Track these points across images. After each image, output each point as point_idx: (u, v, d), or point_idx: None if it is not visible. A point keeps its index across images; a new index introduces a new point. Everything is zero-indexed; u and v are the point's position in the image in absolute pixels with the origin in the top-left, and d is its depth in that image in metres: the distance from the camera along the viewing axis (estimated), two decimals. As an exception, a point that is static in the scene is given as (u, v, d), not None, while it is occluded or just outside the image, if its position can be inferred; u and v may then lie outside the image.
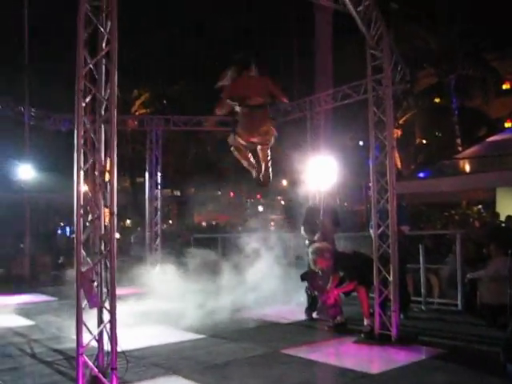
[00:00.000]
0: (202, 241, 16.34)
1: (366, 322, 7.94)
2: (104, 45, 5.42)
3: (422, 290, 10.02)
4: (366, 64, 7.92)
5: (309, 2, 8.04)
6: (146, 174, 14.42)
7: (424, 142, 27.62)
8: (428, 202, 19.29)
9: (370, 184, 7.89)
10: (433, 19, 24.03)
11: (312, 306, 9.56)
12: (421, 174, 23.71)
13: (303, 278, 9.52)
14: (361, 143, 25.81)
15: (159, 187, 14.45)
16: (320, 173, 10.45)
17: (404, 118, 26.07)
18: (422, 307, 9.95)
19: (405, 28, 22.06)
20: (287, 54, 24.24)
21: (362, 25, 7.23)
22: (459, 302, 9.58)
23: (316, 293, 9.34)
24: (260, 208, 32.16)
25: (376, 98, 7.83)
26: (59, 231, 26.17)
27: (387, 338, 7.35)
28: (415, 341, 7.38)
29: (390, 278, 7.46)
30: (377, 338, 7.46)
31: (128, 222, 28.25)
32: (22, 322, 9.70)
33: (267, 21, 22.98)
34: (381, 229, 7.67)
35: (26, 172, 15.56)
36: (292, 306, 10.50)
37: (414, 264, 10.01)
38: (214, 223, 28.92)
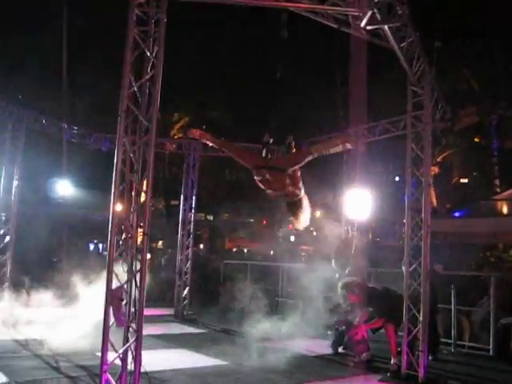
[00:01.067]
0: (232, 266, 16.34)
1: (392, 360, 7.79)
2: (149, 69, 5.56)
3: (453, 332, 9.77)
4: (404, 99, 7.91)
5: (346, 34, 8.09)
6: (181, 197, 14.54)
7: (461, 180, 27.25)
8: (463, 241, 18.93)
9: (404, 220, 7.81)
10: (476, 59, 23.90)
11: (339, 340, 9.43)
12: (456, 214, 23.34)
13: (332, 312, 9.42)
14: (396, 179, 25.60)
15: (193, 211, 14.54)
16: (354, 206, 10.40)
17: (442, 156, 25.80)
18: (452, 350, 9.69)
19: (447, 67, 22.00)
20: (323, 86, 24.34)
21: (404, 61, 7.23)
22: (491, 348, 9.30)
23: (344, 327, 9.21)
24: (292, 238, 32.03)
25: (415, 134, 7.80)
26: (92, 247, 26.50)
27: (414, 379, 7.18)
28: (443, 384, 7.21)
29: (420, 317, 7.32)
30: (403, 378, 7.31)
31: (160, 243, 28.44)
32: (49, 335, 9.79)
33: (306, 53, 23.16)
34: (413, 266, 7.57)
35: (64, 188, 15.85)
36: (318, 339, 10.38)
37: (445, 304, 9.79)
38: (245, 250, 28.89)
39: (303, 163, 5.70)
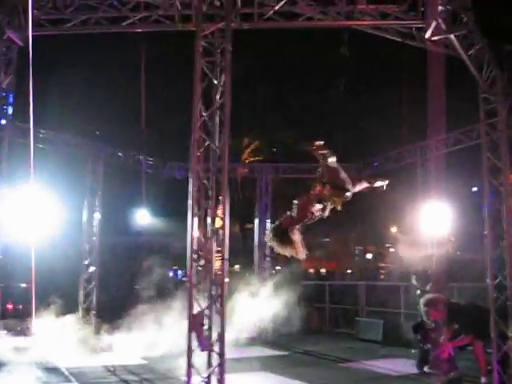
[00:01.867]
0: (309, 287, 16.25)
1: (483, 379, 7.47)
2: (218, 97, 5.72)
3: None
4: (475, 108, 7.71)
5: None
6: (256, 220, 14.67)
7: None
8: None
9: (485, 232, 7.55)
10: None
11: (424, 359, 9.15)
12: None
13: (415, 329, 9.17)
14: (474, 189, 24.73)
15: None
16: (433, 220, 10.16)
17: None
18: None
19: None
20: (398, 100, 24.00)
21: (473, 68, 7.07)
22: None
23: (429, 346, 8.93)
24: (369, 256, 31.51)
25: (490, 142, 7.56)
26: (171, 274, 27.04)
27: (507, 398, 6.87)
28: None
29: (509, 333, 7.00)
30: (496, 397, 6.99)
31: (236, 266, 28.67)
32: (134, 360, 10.07)
33: (378, 67, 22.95)
34: (498, 279, 7.27)
35: (142, 217, 16.37)
36: (402, 358, 10.12)
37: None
38: (322, 270, 28.64)
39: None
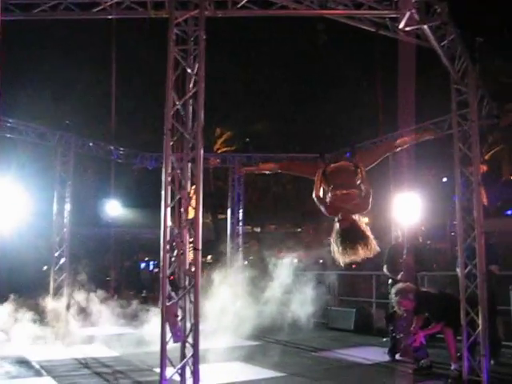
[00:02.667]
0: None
1: (453, 366, 7.60)
2: (191, 86, 5.65)
3: (514, 334, 9.48)
4: (449, 99, 7.77)
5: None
6: (228, 211, 14.64)
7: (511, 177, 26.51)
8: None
9: (455, 222, 7.64)
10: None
11: (395, 347, 9.27)
12: (509, 212, 22.71)
13: (388, 319, 9.26)
14: (444, 179, 25.11)
15: (241, 224, 14.62)
16: (403, 210, 10.25)
17: (490, 153, 25.19)
18: (515, 352, 9.39)
19: (490, 62, 21.50)
20: (365, 91, 24.17)
21: (445, 59, 7.12)
22: (556, 348, 8.96)
23: (401, 334, 9.05)
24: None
25: (461, 133, 7.64)
26: (143, 266, 26.92)
27: (477, 385, 6.99)
28: (508, 388, 6.98)
29: (479, 321, 7.13)
30: (466, 384, 7.11)
31: (209, 257, 28.63)
32: (107, 352, 9.99)
33: (350, 57, 23.06)
34: (468, 268, 7.38)
35: (113, 208, 16.21)
36: (374, 347, 10.24)
37: (504, 306, 9.50)
38: (294, 260, 28.76)
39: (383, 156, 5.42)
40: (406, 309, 8.08)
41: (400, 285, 8.32)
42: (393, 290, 8.31)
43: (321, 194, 4.98)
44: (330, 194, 4.91)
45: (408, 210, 10.47)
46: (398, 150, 5.59)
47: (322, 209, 4.92)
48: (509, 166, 26.13)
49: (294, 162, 6.68)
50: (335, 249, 4.79)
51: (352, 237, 4.69)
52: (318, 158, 5.26)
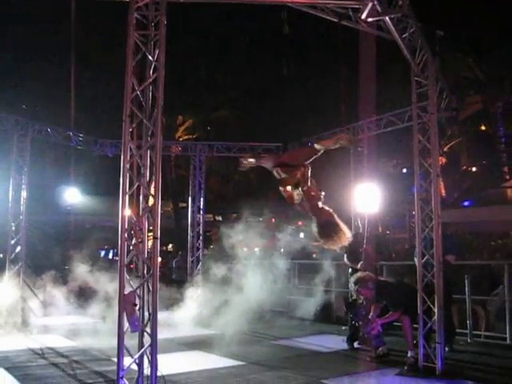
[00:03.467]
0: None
1: (409, 353, 7.74)
2: (151, 72, 5.55)
3: (469, 322, 9.70)
4: (408, 91, 7.87)
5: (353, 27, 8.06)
6: (189, 199, 14.56)
7: (469, 169, 27.12)
8: (474, 230, 18.83)
9: (414, 212, 7.77)
10: (478, 46, 23.78)
11: (354, 335, 9.39)
12: (466, 203, 23.23)
13: (348, 307, 9.38)
14: (404, 170, 25.53)
15: (202, 212, 14.56)
16: (363, 200, 10.35)
17: (449, 146, 25.70)
18: (468, 340, 9.63)
19: (450, 55, 21.87)
20: (328, 82, 24.31)
21: (406, 52, 7.20)
22: (508, 336, 9.21)
23: (360, 322, 9.17)
24: (302, 235, 32.02)
25: (421, 125, 7.74)
26: (103, 254, 26.59)
27: (432, 371, 7.13)
28: (461, 375, 7.13)
29: (435, 309, 7.28)
30: (421, 371, 7.25)
31: (170, 246, 28.48)
32: (64, 343, 9.83)
33: (312, 46, 23.11)
34: (425, 258, 7.51)
35: (72, 195, 15.91)
36: (332, 335, 10.35)
37: (459, 295, 9.72)
38: (255, 249, 28.82)
39: (310, 159, 5.87)
40: (365, 297, 8.20)
41: (359, 273, 8.42)
42: (352, 279, 8.41)
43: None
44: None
45: (368, 200, 10.58)
46: (320, 153, 6.04)
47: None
48: (467, 158, 26.72)
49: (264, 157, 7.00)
50: (316, 239, 5.77)
51: (327, 231, 5.61)
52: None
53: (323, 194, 5.87)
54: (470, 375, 7.09)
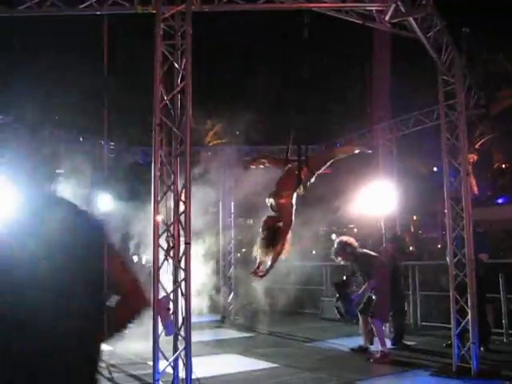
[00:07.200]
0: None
1: (380, 348, 8.02)
2: (179, 81, 5.67)
3: (504, 322, 9.58)
4: (436, 89, 7.83)
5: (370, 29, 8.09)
6: (220, 204, 14.64)
7: (503, 166, 26.63)
8: (509, 228, 18.52)
9: (445, 211, 7.72)
10: (508, 41, 23.37)
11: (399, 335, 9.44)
12: (500, 200, 22.85)
13: (338, 288, 9.43)
14: (435, 169, 25.22)
15: (232, 216, 14.64)
16: (384, 200, 10.46)
17: (480, 142, 25.28)
18: (504, 339, 9.50)
19: (479, 52, 21.55)
20: (346, 85, 24.24)
21: (432, 50, 7.17)
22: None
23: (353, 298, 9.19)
24: (333, 236, 31.88)
25: (449, 123, 7.69)
26: (135, 259, 26.87)
27: (467, 372, 7.06)
28: (497, 375, 7.04)
29: (468, 309, 7.21)
30: (455, 372, 7.19)
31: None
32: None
33: (329, 53, 23.10)
34: (457, 257, 7.46)
35: (105, 202, 16.17)
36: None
37: (494, 294, 9.60)
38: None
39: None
40: (342, 259, 8.69)
41: (343, 237, 8.70)
42: (336, 241, 8.67)
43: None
44: None
45: (384, 200, 10.66)
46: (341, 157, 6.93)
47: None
48: (499, 154, 26.25)
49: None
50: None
51: (265, 243, 6.29)
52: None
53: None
54: (507, 375, 6.98)
